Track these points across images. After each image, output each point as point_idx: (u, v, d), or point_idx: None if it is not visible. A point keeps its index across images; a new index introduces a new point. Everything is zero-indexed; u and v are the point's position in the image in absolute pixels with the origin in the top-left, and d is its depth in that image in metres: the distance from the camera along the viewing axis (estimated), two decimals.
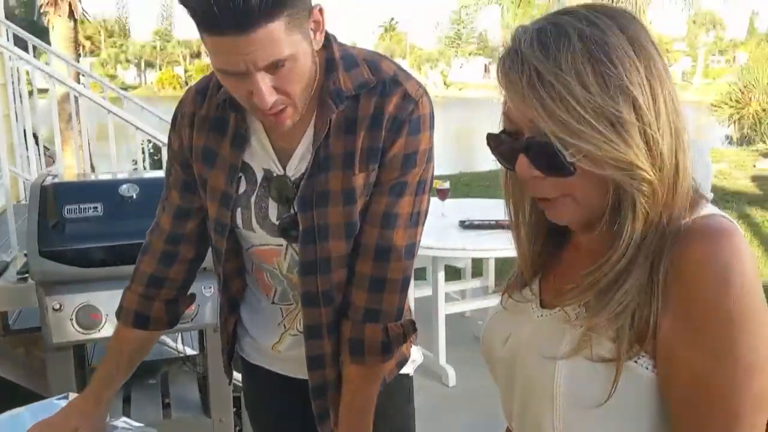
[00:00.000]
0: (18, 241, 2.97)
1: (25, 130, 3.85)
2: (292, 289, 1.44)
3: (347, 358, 1.38)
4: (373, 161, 1.30)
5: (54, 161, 4.55)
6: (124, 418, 1.53)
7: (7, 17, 4.90)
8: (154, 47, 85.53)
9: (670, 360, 0.85)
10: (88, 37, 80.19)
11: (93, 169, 6.27)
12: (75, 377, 2.37)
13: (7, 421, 1.40)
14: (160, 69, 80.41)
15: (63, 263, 2.27)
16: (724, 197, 8.06)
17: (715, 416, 0.84)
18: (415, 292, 3.98)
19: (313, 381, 1.42)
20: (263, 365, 1.56)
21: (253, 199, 1.37)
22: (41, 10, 10.36)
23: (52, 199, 2.32)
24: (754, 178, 9.62)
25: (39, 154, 4.92)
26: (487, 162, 14.71)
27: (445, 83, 72.93)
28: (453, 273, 4.78)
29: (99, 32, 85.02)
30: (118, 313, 1.54)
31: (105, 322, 2.26)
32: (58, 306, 2.24)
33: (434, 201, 4.11)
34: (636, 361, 0.86)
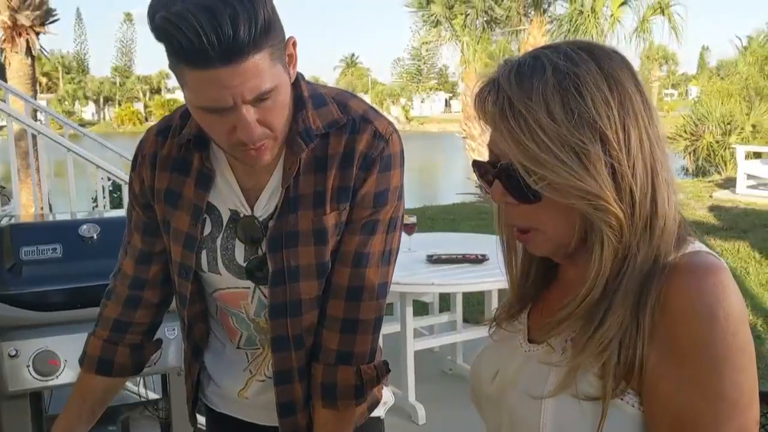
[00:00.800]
0: None
1: None
2: (258, 333, 1.40)
3: (319, 402, 1.34)
4: (344, 200, 1.28)
5: (9, 200, 4.45)
6: None
7: None
8: (114, 83, 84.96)
9: (655, 396, 0.85)
10: (46, 74, 79.44)
11: (50, 207, 6.14)
12: (31, 427, 2.27)
13: None
14: (120, 105, 79.81)
15: (20, 307, 2.19)
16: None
17: None
18: (383, 328, 3.93)
19: (284, 428, 1.37)
20: (230, 413, 1.50)
21: (218, 241, 1.34)
22: None
23: (8, 241, 2.24)
24: (712, 208, 9.82)
25: None
26: (451, 195, 14.83)
27: (407, 118, 73.69)
28: (420, 307, 4.75)
29: (57, 68, 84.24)
30: (81, 360, 1.48)
31: (63, 368, 2.17)
32: (14, 352, 2.15)
33: (401, 235, 4.10)
34: (622, 398, 0.86)
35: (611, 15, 14.07)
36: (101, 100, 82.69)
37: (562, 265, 1.02)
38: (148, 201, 1.38)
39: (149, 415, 2.79)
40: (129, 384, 2.99)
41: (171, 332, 2.27)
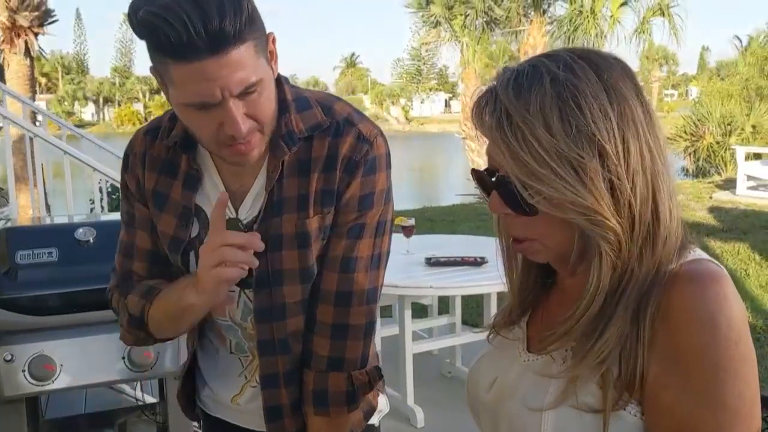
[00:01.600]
0: None
1: None
2: (247, 340, 1.38)
3: (311, 409, 1.34)
4: (328, 204, 1.27)
5: (7, 201, 4.43)
6: None
7: None
8: (113, 83, 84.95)
9: (656, 406, 0.84)
10: (45, 74, 79.45)
11: (48, 209, 6.13)
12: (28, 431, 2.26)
13: None
14: (119, 105, 79.82)
15: (15, 311, 2.17)
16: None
17: None
18: (381, 331, 3.93)
19: None
20: (224, 418, 1.50)
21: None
22: None
23: (3, 245, 2.23)
24: (712, 210, 9.81)
25: None
26: (451, 196, 14.82)
27: (406, 118, 73.68)
28: (419, 310, 4.74)
29: (56, 69, 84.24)
30: (132, 319, 1.36)
31: (59, 373, 2.16)
32: (9, 357, 2.14)
33: (399, 238, 4.10)
34: (624, 409, 0.86)
35: (611, 16, 14.06)
36: (101, 101, 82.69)
37: (560, 272, 1.01)
38: (145, 198, 1.36)
39: (146, 419, 2.78)
40: (126, 388, 2.99)
41: None
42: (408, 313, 3.67)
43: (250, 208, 1.31)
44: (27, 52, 10.08)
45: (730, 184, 11.91)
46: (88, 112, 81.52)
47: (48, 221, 3.38)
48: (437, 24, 15.35)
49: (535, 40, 13.98)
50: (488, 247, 4.06)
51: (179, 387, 1.52)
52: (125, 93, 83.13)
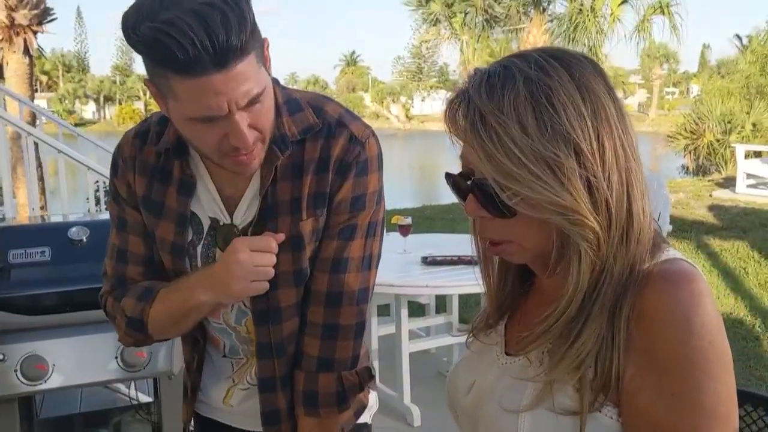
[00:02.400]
0: None
1: None
2: (241, 343, 1.38)
3: (301, 410, 1.33)
4: (321, 206, 1.27)
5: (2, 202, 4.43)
6: None
7: None
8: (114, 82, 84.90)
9: (633, 408, 0.84)
10: (46, 73, 79.46)
11: (45, 206, 6.13)
12: (20, 431, 2.26)
13: None
14: (120, 104, 79.80)
15: (7, 311, 2.17)
16: (682, 227, 8.18)
17: None
18: (378, 330, 3.92)
19: None
20: (217, 419, 1.50)
21: (199, 248, 1.32)
22: None
23: None
24: (711, 208, 9.80)
25: None
26: (450, 194, 14.77)
27: (407, 116, 73.62)
28: (416, 309, 4.74)
29: (57, 67, 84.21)
30: (132, 321, 1.35)
31: (52, 372, 2.15)
32: (1, 356, 2.13)
33: (396, 237, 4.09)
34: (600, 411, 0.85)
35: (611, 14, 14.05)
36: (101, 99, 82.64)
37: (537, 274, 1.00)
38: (137, 203, 1.35)
39: (141, 418, 2.78)
40: (121, 387, 2.98)
41: None
42: (404, 312, 3.67)
43: (245, 213, 1.30)
44: (26, 50, 10.07)
45: (729, 182, 11.90)
46: (88, 111, 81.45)
47: (42, 220, 3.38)
48: (437, 22, 15.34)
49: (535, 38, 13.96)
50: None
51: (188, 394, 1.50)
52: (126, 91, 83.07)
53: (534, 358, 0.92)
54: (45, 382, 2.16)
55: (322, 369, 1.31)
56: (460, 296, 4.51)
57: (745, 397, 1.25)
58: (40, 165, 4.72)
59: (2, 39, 9.92)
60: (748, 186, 11.06)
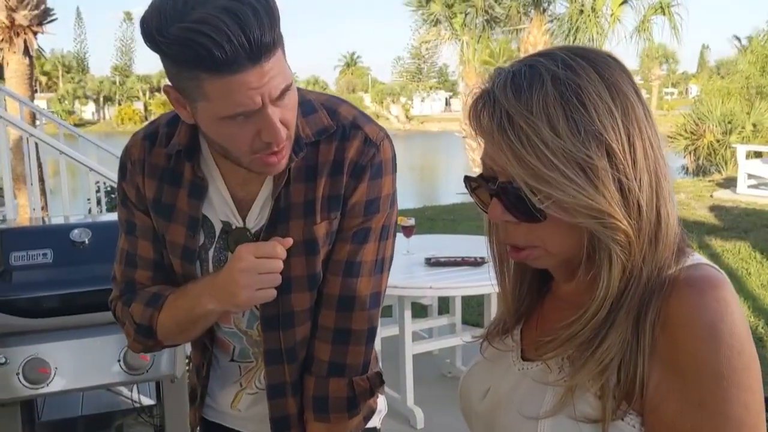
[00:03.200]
0: None
1: None
2: (251, 346, 1.36)
3: (310, 415, 1.32)
4: (335, 209, 1.25)
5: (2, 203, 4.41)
6: None
7: None
8: (113, 82, 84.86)
9: (658, 417, 0.82)
10: (46, 73, 79.45)
11: (46, 206, 6.11)
12: None
13: None
14: (120, 104, 79.77)
15: (9, 314, 2.14)
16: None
17: None
18: (381, 332, 3.90)
19: None
20: (224, 423, 1.48)
21: (211, 252, 1.30)
22: None
23: None
24: (712, 208, 9.78)
25: None
26: (451, 195, 14.80)
27: (407, 117, 73.65)
28: (419, 310, 4.72)
29: (57, 68, 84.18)
30: (139, 329, 1.34)
31: (54, 376, 2.13)
32: (3, 359, 2.12)
33: (399, 238, 4.04)
34: (623, 419, 0.83)
35: (611, 14, 14.02)
36: (101, 100, 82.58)
37: (557, 278, 0.98)
38: (146, 206, 1.34)
39: (143, 421, 2.75)
40: (123, 390, 2.96)
41: None
42: (408, 313, 3.65)
43: (257, 216, 1.28)
44: (26, 51, 10.03)
45: (730, 183, 11.88)
46: (88, 111, 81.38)
47: (44, 221, 3.36)
48: (437, 22, 15.30)
49: (536, 39, 13.93)
50: None
51: (197, 399, 1.48)
52: (125, 92, 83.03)
53: (553, 364, 0.89)
54: (47, 385, 2.14)
55: (332, 374, 1.29)
56: (463, 297, 4.49)
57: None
58: (40, 165, 4.70)
59: (2, 39, 9.89)
60: (750, 186, 11.05)
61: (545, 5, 14.52)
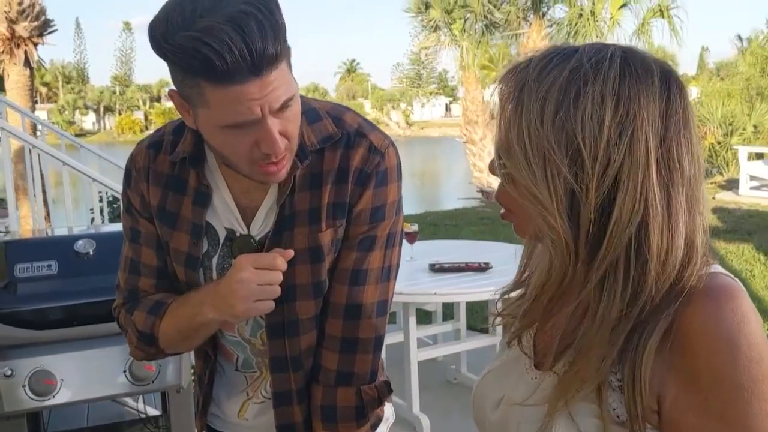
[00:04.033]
0: None
1: None
2: (255, 356, 1.36)
3: (319, 425, 1.31)
4: (340, 216, 1.25)
5: (7, 213, 4.41)
6: None
7: None
8: (113, 92, 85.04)
9: (677, 430, 0.80)
10: (46, 84, 79.62)
11: (48, 217, 6.10)
12: None
13: None
14: (120, 114, 79.92)
15: (14, 325, 2.14)
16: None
17: None
18: (386, 338, 3.89)
19: None
20: None
21: (215, 259, 1.30)
22: None
23: (2, 258, 2.20)
24: (715, 210, 9.78)
25: None
26: (453, 200, 14.81)
27: (407, 122, 73.76)
28: (423, 316, 4.71)
29: (57, 78, 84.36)
30: (143, 335, 1.34)
31: (60, 387, 2.13)
32: (9, 372, 2.11)
33: (403, 244, 4.05)
34: None
35: (611, 18, 14.03)
36: (101, 110, 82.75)
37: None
38: (150, 214, 1.34)
39: (149, 431, 2.75)
40: (129, 400, 2.95)
41: None
42: (413, 320, 3.64)
43: (262, 223, 1.28)
44: (27, 62, 10.06)
45: (732, 185, 11.88)
46: (88, 121, 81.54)
47: (47, 233, 3.36)
48: (436, 28, 15.32)
49: (535, 43, 13.93)
50: (492, 252, 4.03)
51: (200, 408, 1.48)
52: (125, 102, 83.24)
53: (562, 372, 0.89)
54: (53, 397, 2.13)
55: (340, 383, 1.29)
56: (468, 303, 4.48)
57: None
58: (42, 176, 4.70)
59: (3, 51, 9.92)
60: (752, 188, 11.05)
61: (544, 10, 14.54)
